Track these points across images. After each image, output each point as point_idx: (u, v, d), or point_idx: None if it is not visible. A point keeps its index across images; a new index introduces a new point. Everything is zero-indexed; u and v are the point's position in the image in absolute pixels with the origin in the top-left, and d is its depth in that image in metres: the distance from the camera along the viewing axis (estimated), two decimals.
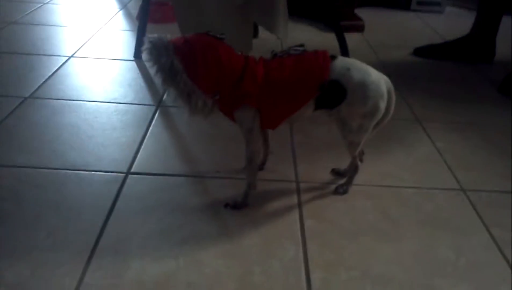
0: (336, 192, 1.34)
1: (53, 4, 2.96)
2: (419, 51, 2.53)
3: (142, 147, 1.50)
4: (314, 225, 1.21)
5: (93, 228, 1.16)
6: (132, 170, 1.38)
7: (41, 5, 2.90)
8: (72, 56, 2.16)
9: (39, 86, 1.84)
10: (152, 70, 1.11)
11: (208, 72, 1.11)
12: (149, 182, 1.34)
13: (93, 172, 1.37)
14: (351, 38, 2.56)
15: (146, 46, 1.10)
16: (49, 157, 1.42)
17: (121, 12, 2.93)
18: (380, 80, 1.20)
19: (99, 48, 2.29)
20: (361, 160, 1.36)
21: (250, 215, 1.23)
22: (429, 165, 1.51)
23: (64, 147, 1.47)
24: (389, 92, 1.23)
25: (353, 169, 1.34)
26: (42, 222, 1.17)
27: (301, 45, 1.24)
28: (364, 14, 3.03)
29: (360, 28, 2.86)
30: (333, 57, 1.20)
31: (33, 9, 2.82)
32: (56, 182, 1.31)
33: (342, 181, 1.37)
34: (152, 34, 1.10)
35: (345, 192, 1.34)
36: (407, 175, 1.45)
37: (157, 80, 1.13)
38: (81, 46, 2.29)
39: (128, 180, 1.34)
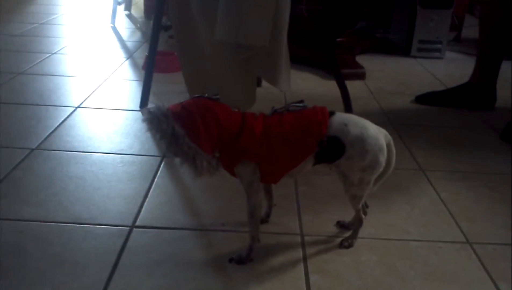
0: (342, 246, 1.33)
1: (61, 54, 3.03)
2: (420, 99, 2.56)
3: (147, 199, 1.51)
4: (320, 280, 1.20)
5: (98, 284, 1.15)
6: (137, 223, 1.39)
7: (49, 55, 2.97)
8: (78, 106, 2.20)
9: (46, 137, 1.87)
10: (155, 139, 1.14)
11: (209, 133, 1.14)
12: (153, 236, 1.34)
13: (98, 226, 1.37)
14: (353, 86, 2.60)
15: (145, 116, 1.13)
16: (55, 210, 1.43)
17: (127, 62, 2.99)
18: (378, 134, 1.22)
19: (106, 99, 2.33)
20: (365, 213, 1.36)
21: (255, 270, 1.23)
22: (434, 216, 1.51)
23: (70, 199, 1.48)
24: (388, 146, 1.24)
25: (357, 222, 1.34)
26: (46, 277, 1.16)
27: (301, 101, 1.27)
28: (365, 61, 3.08)
29: (361, 76, 2.91)
30: (331, 113, 1.23)
31: (41, 59, 2.88)
32: (61, 236, 1.32)
33: (347, 234, 1.37)
34: (150, 104, 1.14)
35: (350, 245, 1.33)
36: (412, 227, 1.44)
37: (162, 148, 1.16)
38: (88, 97, 2.33)
39: (133, 234, 1.34)
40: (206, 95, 1.19)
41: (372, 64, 3.16)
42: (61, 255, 1.24)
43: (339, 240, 1.36)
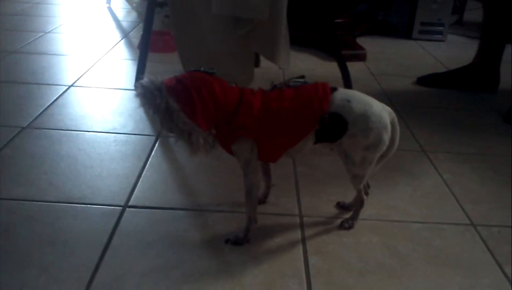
0: (342, 227, 1.29)
1: (55, 33, 2.96)
2: (422, 80, 2.51)
3: (141, 179, 1.46)
4: (319, 262, 1.16)
5: (88, 264, 1.11)
6: (130, 203, 1.34)
7: (43, 34, 2.90)
8: (72, 85, 2.14)
9: (37, 116, 1.81)
10: (148, 115, 1.08)
11: (205, 108, 1.08)
12: (147, 216, 1.30)
13: (89, 205, 1.32)
14: (353, 67, 2.54)
15: (138, 90, 1.07)
16: (45, 189, 1.38)
17: (122, 41, 2.92)
18: (382, 111, 1.17)
19: (100, 78, 2.27)
20: (366, 194, 1.31)
21: (252, 251, 1.18)
22: (437, 198, 1.47)
23: (61, 178, 1.43)
24: (392, 123, 1.19)
25: (358, 203, 1.30)
26: (35, 258, 1.12)
27: (302, 77, 1.21)
28: (366, 43, 3.02)
29: (362, 57, 2.85)
30: (333, 89, 1.17)
31: (34, 38, 2.81)
32: (51, 216, 1.27)
33: (347, 215, 1.33)
34: (142, 79, 1.07)
35: (350, 227, 1.29)
36: (414, 209, 1.40)
37: (156, 124, 1.10)
38: (82, 76, 2.27)
39: (125, 214, 1.30)
40: (202, 69, 1.13)
41: (373, 46, 3.09)
42: (51, 235, 1.20)
43: (339, 221, 1.31)
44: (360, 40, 3.07)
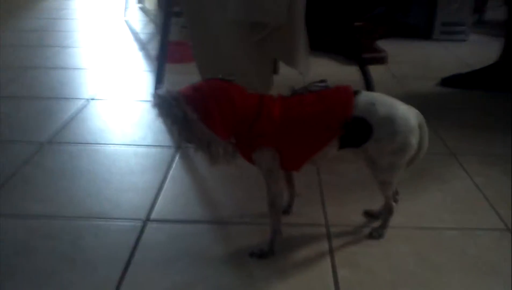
0: (371, 236, 1.23)
1: (72, 47, 2.97)
2: (446, 81, 2.44)
3: (162, 192, 1.42)
4: (349, 275, 1.10)
5: (109, 282, 1.07)
6: (151, 217, 1.31)
7: (59, 49, 2.91)
8: (91, 98, 2.13)
9: (57, 131, 1.80)
10: (166, 125, 1.05)
11: (224, 117, 1.05)
12: (168, 230, 1.26)
13: (110, 220, 1.29)
14: (374, 71, 2.47)
15: (155, 101, 1.04)
16: (65, 206, 1.35)
17: (140, 53, 2.91)
18: (409, 114, 1.12)
19: (118, 90, 2.26)
20: (395, 201, 1.25)
21: (277, 264, 1.14)
22: (469, 203, 1.40)
23: (81, 194, 1.41)
24: (420, 126, 1.14)
25: (387, 211, 1.24)
26: (55, 277, 1.09)
27: (323, 81, 1.17)
28: (386, 46, 2.96)
29: (383, 60, 2.79)
30: (357, 92, 1.12)
31: (51, 53, 2.82)
32: (71, 233, 1.24)
33: (376, 223, 1.27)
34: (159, 89, 1.04)
35: (380, 236, 1.23)
36: (446, 215, 1.34)
37: (175, 135, 1.07)
38: (100, 89, 2.25)
39: (146, 228, 1.26)
40: (220, 76, 1.10)
41: (393, 48, 3.03)
42: (71, 253, 1.17)
43: (367, 230, 1.26)
44: (380, 43, 3.01)
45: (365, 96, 1.12)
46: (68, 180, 1.48)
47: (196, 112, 1.03)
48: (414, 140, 1.12)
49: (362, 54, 2.21)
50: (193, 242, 1.21)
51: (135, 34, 3.40)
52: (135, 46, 3.07)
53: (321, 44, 2.92)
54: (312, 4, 1.70)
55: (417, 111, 1.16)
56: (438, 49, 3.17)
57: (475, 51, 3.11)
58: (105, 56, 2.83)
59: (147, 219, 1.30)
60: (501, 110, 2.12)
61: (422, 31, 3.42)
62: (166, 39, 2.01)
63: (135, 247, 1.19)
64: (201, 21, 1.60)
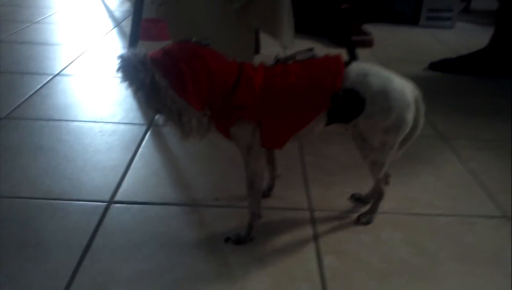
0: (359, 222, 1.12)
1: (44, 23, 2.79)
2: (434, 65, 2.35)
3: (129, 171, 1.29)
4: (335, 263, 0.99)
5: (64, 270, 0.94)
6: (116, 198, 1.18)
7: (29, 24, 2.73)
8: (57, 74, 1.97)
9: (17, 106, 1.65)
10: (131, 91, 0.92)
11: (198, 84, 0.92)
12: (135, 213, 1.13)
13: (69, 202, 1.16)
14: (360, 54, 2.36)
15: (119, 64, 0.91)
16: (20, 185, 1.21)
17: (114, 30, 2.76)
18: (404, 87, 1.01)
19: (89, 67, 2.10)
20: (387, 183, 1.14)
21: (256, 251, 1.02)
22: (463, 188, 1.30)
23: (38, 172, 1.27)
24: (416, 101, 1.03)
25: (377, 195, 1.13)
26: (1, 263, 0.95)
27: (310, 49, 1.05)
28: (371, 30, 2.85)
29: (369, 43, 2.69)
30: (348, 63, 1.01)
31: (20, 28, 2.65)
32: (25, 214, 1.10)
33: (364, 208, 1.16)
34: (125, 51, 0.91)
35: (369, 222, 1.12)
36: (439, 200, 1.23)
37: (142, 102, 0.94)
38: (69, 64, 2.10)
39: (110, 210, 1.13)
40: (194, 39, 0.97)
41: (379, 33, 2.92)
42: (22, 236, 1.03)
43: (355, 215, 1.15)
44: (365, 27, 2.90)
45: (357, 67, 1.01)
46: (25, 157, 1.34)
47: (165, 78, 0.91)
48: (410, 116, 1.01)
49: (351, 36, 2.10)
50: (162, 226, 1.09)
51: (110, 12, 3.23)
52: (109, 24, 2.90)
53: (304, 26, 2.79)
54: None
55: (412, 84, 1.05)
56: (424, 35, 3.07)
57: (462, 38, 3.03)
58: (77, 32, 2.66)
59: (111, 201, 1.17)
60: (491, 95, 2.03)
61: (408, 17, 3.33)
62: (139, 12, 1.86)
63: (95, 231, 1.06)
64: None
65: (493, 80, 2.20)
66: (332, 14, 2.22)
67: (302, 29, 2.75)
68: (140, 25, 1.92)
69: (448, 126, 1.68)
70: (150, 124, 1.55)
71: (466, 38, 3.03)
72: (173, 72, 0.91)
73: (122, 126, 1.54)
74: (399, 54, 2.60)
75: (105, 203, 1.15)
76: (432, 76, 2.26)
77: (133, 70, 0.90)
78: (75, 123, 1.55)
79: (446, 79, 2.22)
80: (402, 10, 3.41)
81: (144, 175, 1.29)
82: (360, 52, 2.45)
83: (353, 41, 2.17)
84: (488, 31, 2.33)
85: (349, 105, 0.99)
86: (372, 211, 1.13)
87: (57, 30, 2.68)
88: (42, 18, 2.90)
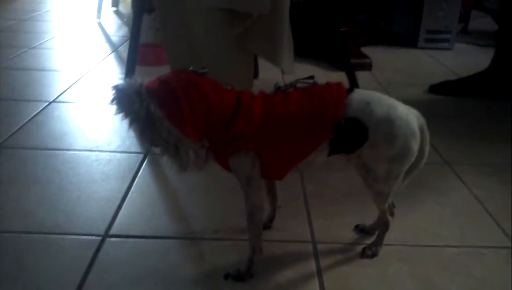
0: (364, 255, 1.08)
1: (40, 49, 2.77)
2: (435, 88, 2.32)
3: (125, 202, 1.25)
4: None
5: None
6: (111, 231, 1.13)
7: (26, 50, 2.71)
8: (53, 101, 1.94)
9: (11, 134, 1.61)
10: (126, 123, 0.89)
11: (195, 115, 0.89)
12: (130, 247, 1.09)
13: (63, 236, 1.12)
14: (359, 77, 2.34)
15: (113, 95, 0.88)
16: (12, 218, 1.17)
17: (112, 56, 2.74)
18: (409, 115, 0.98)
19: (85, 93, 2.07)
20: (391, 214, 1.11)
21: (257, 288, 0.98)
22: (470, 217, 1.26)
23: (31, 204, 1.23)
24: (421, 129, 1.00)
25: (382, 226, 1.09)
26: None
27: (311, 77, 1.02)
28: (369, 52, 2.83)
29: (367, 66, 2.67)
30: (350, 90, 0.98)
31: (17, 53, 2.63)
32: (16, 249, 1.06)
33: (369, 240, 1.12)
34: (120, 81, 0.88)
35: (374, 254, 1.08)
36: (446, 230, 1.19)
37: (136, 136, 0.91)
38: (64, 91, 2.07)
39: (105, 245, 1.09)
40: (191, 68, 0.94)
41: (378, 55, 2.91)
42: (13, 272, 0.99)
43: (359, 247, 1.10)
44: (364, 50, 2.89)
45: (359, 95, 0.98)
46: (18, 188, 1.30)
47: (162, 109, 0.87)
48: (415, 145, 0.98)
49: (350, 60, 2.08)
50: (158, 261, 1.05)
51: (107, 36, 3.22)
52: (107, 49, 2.89)
53: (303, 49, 2.78)
54: (296, 9, 1.56)
55: (417, 112, 1.02)
56: (423, 57, 3.06)
57: (461, 60, 3.01)
58: (73, 58, 2.64)
59: (106, 234, 1.12)
60: (494, 118, 2.01)
61: (407, 39, 3.32)
62: (137, 35, 1.84)
63: (89, 267, 1.02)
64: (173, 9, 1.42)
65: (495, 103, 2.18)
66: (331, 37, 2.20)
67: (301, 52, 2.74)
68: (137, 50, 1.89)
69: (451, 151, 1.64)
70: (147, 152, 1.52)
71: (466, 59, 3.02)
72: (169, 102, 0.88)
73: (118, 155, 1.50)
74: (398, 77, 2.58)
75: (100, 237, 1.11)
76: (433, 99, 2.24)
77: (127, 101, 0.87)
78: (70, 152, 1.51)
79: (448, 102, 2.20)
80: (400, 32, 3.41)
81: (140, 206, 1.24)
82: (359, 75, 2.43)
83: (352, 64, 2.15)
84: (488, 52, 2.32)
85: (352, 134, 0.96)
86: (378, 243, 1.09)
87: (54, 56, 2.67)
88: (39, 43, 2.89)
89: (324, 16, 2.46)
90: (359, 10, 3.50)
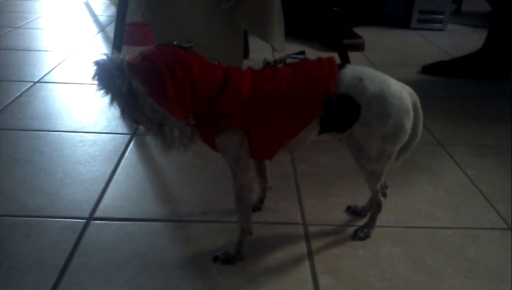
0: (356, 237, 1.05)
1: (25, 28, 2.70)
2: (428, 69, 2.29)
3: (111, 184, 1.21)
4: (332, 282, 0.92)
5: None
6: (96, 214, 1.10)
7: (11, 30, 2.64)
8: (38, 81, 1.89)
9: None
10: (107, 100, 0.85)
11: (180, 91, 0.85)
12: (116, 230, 1.05)
13: (46, 219, 1.08)
14: (352, 57, 2.30)
15: (95, 71, 0.83)
16: None
17: (99, 35, 2.67)
18: (402, 92, 0.94)
19: (70, 73, 2.02)
20: (384, 195, 1.08)
21: (247, 271, 0.95)
22: (464, 198, 1.24)
23: (14, 187, 1.19)
24: (415, 106, 0.97)
25: (375, 207, 1.06)
26: None
27: (301, 53, 0.98)
28: (362, 33, 2.80)
29: (360, 47, 2.63)
30: (341, 66, 0.94)
31: (1, 33, 2.55)
32: None
33: (361, 222, 1.10)
34: (101, 57, 0.84)
35: (366, 236, 1.05)
36: (439, 211, 1.17)
37: (117, 113, 0.87)
38: (50, 71, 2.02)
39: (90, 228, 1.06)
40: (176, 43, 0.89)
41: (370, 36, 2.86)
42: None
43: (351, 229, 1.08)
44: (356, 30, 2.85)
45: (351, 70, 0.94)
46: (0, 170, 1.26)
47: (144, 85, 0.83)
48: (408, 123, 0.94)
49: (342, 40, 2.04)
50: (145, 244, 1.01)
51: (94, 16, 3.15)
52: (94, 29, 2.82)
53: (294, 30, 2.73)
54: None
55: (411, 89, 0.98)
56: (416, 38, 3.03)
57: (454, 41, 2.98)
58: (60, 38, 2.57)
59: (91, 217, 1.09)
60: (487, 99, 1.98)
61: (399, 20, 3.28)
62: (123, 16, 1.79)
63: (73, 251, 0.98)
64: None
65: (488, 83, 2.15)
66: (323, 17, 2.16)
67: (291, 32, 2.69)
68: (124, 30, 1.84)
69: (445, 132, 1.62)
70: (133, 133, 1.48)
71: (458, 40, 2.99)
72: (152, 78, 0.84)
73: (104, 136, 1.46)
74: (391, 57, 2.55)
75: (85, 220, 1.08)
76: (426, 79, 2.21)
77: (108, 77, 0.83)
78: (55, 133, 1.47)
79: (440, 82, 2.17)
80: (392, 13, 3.36)
81: (126, 188, 1.21)
82: (352, 55, 2.38)
83: (345, 44, 2.11)
84: (480, 33, 2.29)
85: (343, 111, 0.92)
86: (370, 225, 1.06)
87: (40, 36, 2.60)
88: (24, 22, 2.82)
89: None
90: None
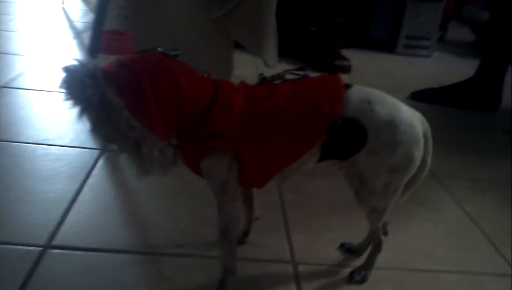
0: (352, 279, 0.93)
1: None
2: (417, 96, 2.21)
3: (74, 206, 1.07)
4: None
5: None
6: (54, 242, 0.95)
7: None
8: (2, 86, 1.73)
9: None
10: (76, 112, 0.72)
11: (163, 106, 0.73)
12: (76, 261, 0.91)
13: None
14: None
15: (62, 77, 0.70)
16: None
17: (74, 42, 2.52)
18: (413, 119, 0.85)
19: (40, 80, 1.86)
20: (385, 233, 0.96)
21: None
22: (465, 237, 1.14)
23: None
24: (425, 136, 0.87)
25: (374, 247, 0.95)
26: None
27: (301, 68, 0.87)
28: (348, 55, 2.71)
29: (346, 69, 2.54)
30: (348, 86, 0.83)
31: None
32: None
33: (357, 261, 0.98)
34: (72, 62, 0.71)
35: (364, 279, 0.94)
36: (441, 252, 1.06)
37: (88, 128, 0.74)
38: (18, 76, 1.86)
39: (45, 257, 0.91)
40: (160, 49, 0.77)
41: (356, 58, 2.78)
42: None
43: (346, 270, 0.96)
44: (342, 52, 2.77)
45: (358, 91, 0.84)
46: None
47: (121, 96, 0.70)
48: (418, 154, 0.84)
49: (332, 61, 1.95)
50: (110, 280, 0.87)
51: (71, 22, 3.00)
52: (69, 34, 2.67)
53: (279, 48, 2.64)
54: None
55: (421, 115, 0.89)
56: (402, 63, 2.97)
57: (441, 68, 2.94)
58: (33, 42, 2.41)
59: (48, 245, 0.94)
60: (478, 130, 1.91)
61: (385, 44, 3.22)
62: (101, 22, 1.65)
63: (23, 285, 0.83)
64: None
65: (478, 113, 2.08)
66: (311, 36, 2.06)
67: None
68: (100, 36, 1.71)
69: (439, 164, 1.49)
70: (103, 148, 1.33)
71: (445, 67, 2.95)
72: (131, 89, 0.71)
73: (70, 150, 1.31)
74: (378, 82, 2.47)
75: (41, 248, 0.93)
76: (415, 106, 2.08)
77: (78, 86, 0.70)
78: (15, 144, 1.32)
79: (431, 110, 2.08)
80: (378, 36, 3.31)
81: (91, 211, 1.06)
82: None
83: (335, 65, 2.02)
84: (465, 62, 2.23)
85: (348, 137, 0.81)
86: (368, 266, 0.94)
87: (11, 38, 2.43)
88: None
89: (297, 15, 2.31)
90: (335, 13, 3.40)
